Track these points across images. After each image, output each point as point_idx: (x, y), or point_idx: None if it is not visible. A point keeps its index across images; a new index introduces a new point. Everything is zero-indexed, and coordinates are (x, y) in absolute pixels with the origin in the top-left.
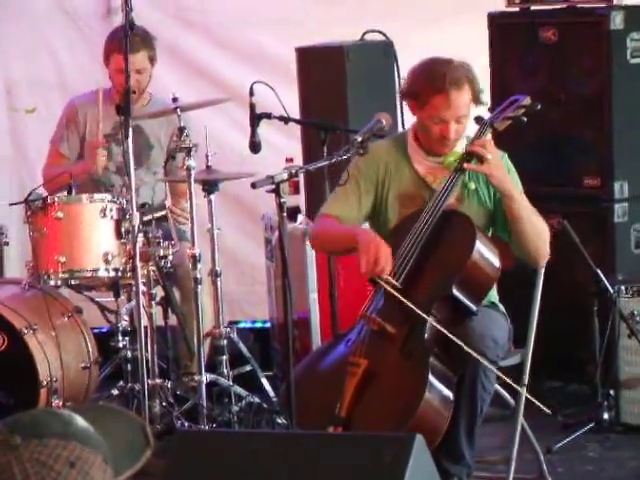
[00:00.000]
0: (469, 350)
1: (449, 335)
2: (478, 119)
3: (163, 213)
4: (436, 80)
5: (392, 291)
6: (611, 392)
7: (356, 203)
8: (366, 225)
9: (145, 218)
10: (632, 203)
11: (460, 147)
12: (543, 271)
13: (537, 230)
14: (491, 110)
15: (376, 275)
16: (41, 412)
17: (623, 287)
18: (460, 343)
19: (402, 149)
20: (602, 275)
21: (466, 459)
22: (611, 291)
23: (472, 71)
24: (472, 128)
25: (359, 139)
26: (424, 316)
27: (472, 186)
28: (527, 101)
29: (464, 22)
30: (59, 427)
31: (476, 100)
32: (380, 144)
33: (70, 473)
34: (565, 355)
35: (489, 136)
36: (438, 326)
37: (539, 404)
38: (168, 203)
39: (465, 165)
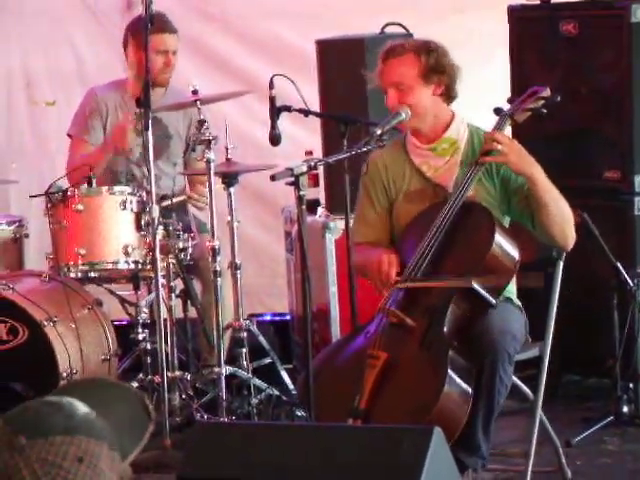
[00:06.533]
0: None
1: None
2: (497, 110)
3: (182, 198)
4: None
5: (416, 285)
6: (630, 385)
7: (377, 220)
8: None
9: (164, 204)
10: None
11: (454, 132)
12: (562, 264)
13: (562, 213)
14: (510, 102)
15: (391, 285)
16: (42, 405)
17: None
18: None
19: (402, 145)
20: (622, 268)
21: (482, 451)
22: (631, 284)
23: (426, 47)
24: (491, 119)
25: (379, 132)
26: (464, 282)
27: (477, 177)
28: (547, 92)
29: (484, 14)
30: (63, 421)
31: (424, 76)
32: (380, 150)
33: (79, 469)
34: (584, 348)
35: (508, 128)
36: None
37: None
38: (188, 191)
39: (480, 159)
